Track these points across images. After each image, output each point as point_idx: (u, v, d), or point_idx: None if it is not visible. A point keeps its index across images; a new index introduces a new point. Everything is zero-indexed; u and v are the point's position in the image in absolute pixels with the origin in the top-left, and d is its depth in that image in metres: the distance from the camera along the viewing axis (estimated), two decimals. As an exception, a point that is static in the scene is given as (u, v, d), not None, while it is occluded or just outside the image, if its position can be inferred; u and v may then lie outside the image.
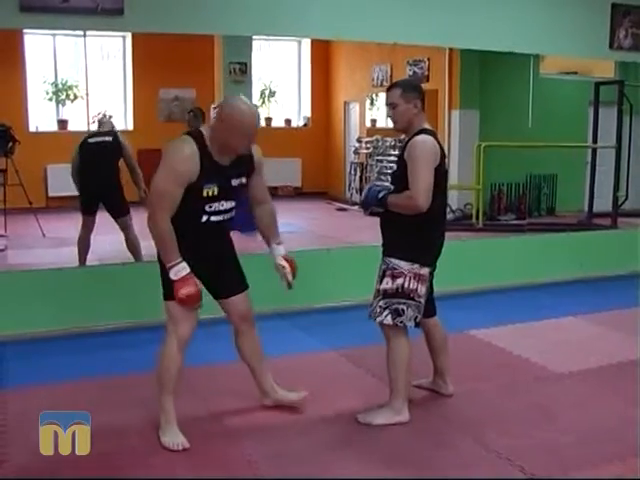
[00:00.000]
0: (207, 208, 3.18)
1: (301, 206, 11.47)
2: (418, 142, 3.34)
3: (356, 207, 10.96)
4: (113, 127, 6.28)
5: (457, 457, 3.20)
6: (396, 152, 10.38)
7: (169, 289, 3.17)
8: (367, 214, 3.54)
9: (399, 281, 3.38)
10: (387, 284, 3.41)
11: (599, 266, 6.60)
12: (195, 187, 3.08)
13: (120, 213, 6.10)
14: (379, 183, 3.56)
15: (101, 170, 6.00)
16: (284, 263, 3.41)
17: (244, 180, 3.30)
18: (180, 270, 3.08)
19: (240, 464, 3.09)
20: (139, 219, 6.00)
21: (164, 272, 3.17)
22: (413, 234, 3.37)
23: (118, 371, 4.17)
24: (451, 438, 3.38)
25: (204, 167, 3.08)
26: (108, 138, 6.07)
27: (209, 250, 3.30)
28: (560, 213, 10.68)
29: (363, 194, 3.54)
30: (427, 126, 3.45)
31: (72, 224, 6.23)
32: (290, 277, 3.41)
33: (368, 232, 7.89)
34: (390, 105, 3.46)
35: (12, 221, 8.36)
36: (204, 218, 3.19)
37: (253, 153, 3.30)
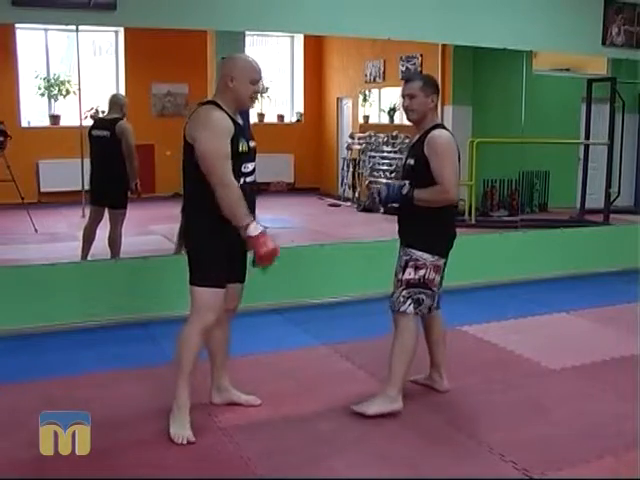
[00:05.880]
0: (243, 169, 3.20)
1: (294, 202, 11.45)
2: (441, 137, 3.44)
3: (348, 203, 10.95)
4: (122, 109, 6.02)
5: (449, 452, 3.20)
6: (389, 148, 10.37)
7: (197, 274, 3.16)
8: (383, 212, 3.55)
9: (422, 272, 3.47)
10: (410, 275, 3.48)
11: (592, 262, 6.63)
12: (233, 142, 3.11)
13: (115, 205, 5.99)
14: (395, 181, 3.59)
15: (103, 163, 5.96)
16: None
17: (254, 144, 3.32)
18: (256, 228, 3.06)
19: (234, 459, 3.09)
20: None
21: (195, 256, 3.17)
22: (434, 226, 3.49)
23: (109, 367, 4.16)
24: (443, 433, 3.39)
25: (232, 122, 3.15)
26: (106, 133, 5.92)
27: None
28: (552, 209, 10.69)
29: (382, 192, 3.51)
30: (440, 122, 3.55)
31: (64, 219, 6.21)
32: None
33: (361, 228, 7.96)
34: (408, 96, 3.52)
35: (4, 216, 8.32)
36: (241, 180, 3.19)
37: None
